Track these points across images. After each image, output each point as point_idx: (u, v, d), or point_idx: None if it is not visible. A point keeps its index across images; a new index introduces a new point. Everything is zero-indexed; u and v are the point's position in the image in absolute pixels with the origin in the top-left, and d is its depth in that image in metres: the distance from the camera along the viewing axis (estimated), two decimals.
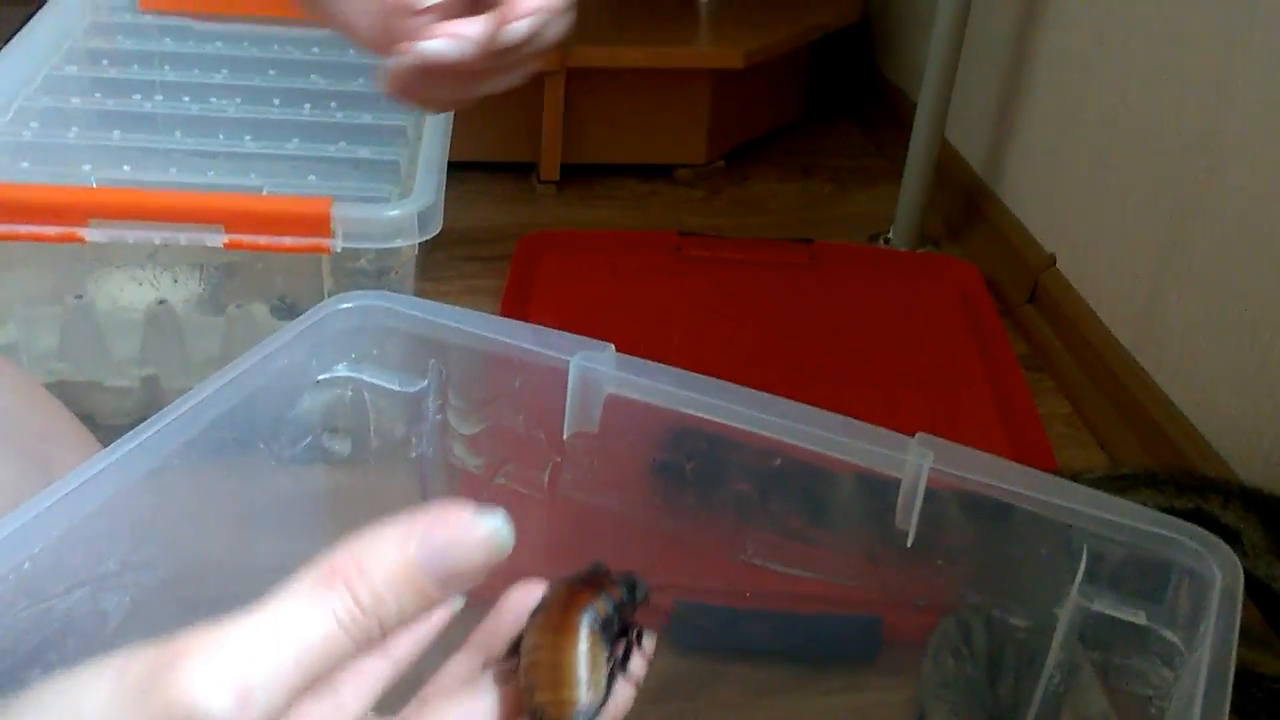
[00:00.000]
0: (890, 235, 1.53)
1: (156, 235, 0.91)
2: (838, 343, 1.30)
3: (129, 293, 1.03)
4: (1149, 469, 1.00)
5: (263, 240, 0.91)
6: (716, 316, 1.35)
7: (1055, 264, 1.34)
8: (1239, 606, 0.50)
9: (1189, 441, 1.07)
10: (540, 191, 1.57)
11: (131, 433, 0.55)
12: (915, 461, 0.57)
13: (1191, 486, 0.89)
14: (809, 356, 1.28)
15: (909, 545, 0.58)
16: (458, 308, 0.63)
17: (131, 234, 0.90)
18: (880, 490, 0.60)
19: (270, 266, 1.01)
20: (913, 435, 0.58)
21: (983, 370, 1.25)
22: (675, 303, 1.36)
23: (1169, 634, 0.52)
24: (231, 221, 0.90)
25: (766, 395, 0.61)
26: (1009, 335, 1.31)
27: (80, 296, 1.01)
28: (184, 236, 0.90)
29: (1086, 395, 1.24)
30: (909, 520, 0.59)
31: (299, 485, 0.71)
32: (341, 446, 0.67)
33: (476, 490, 0.68)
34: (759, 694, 0.85)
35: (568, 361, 0.62)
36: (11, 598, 0.48)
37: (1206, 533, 0.52)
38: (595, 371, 0.61)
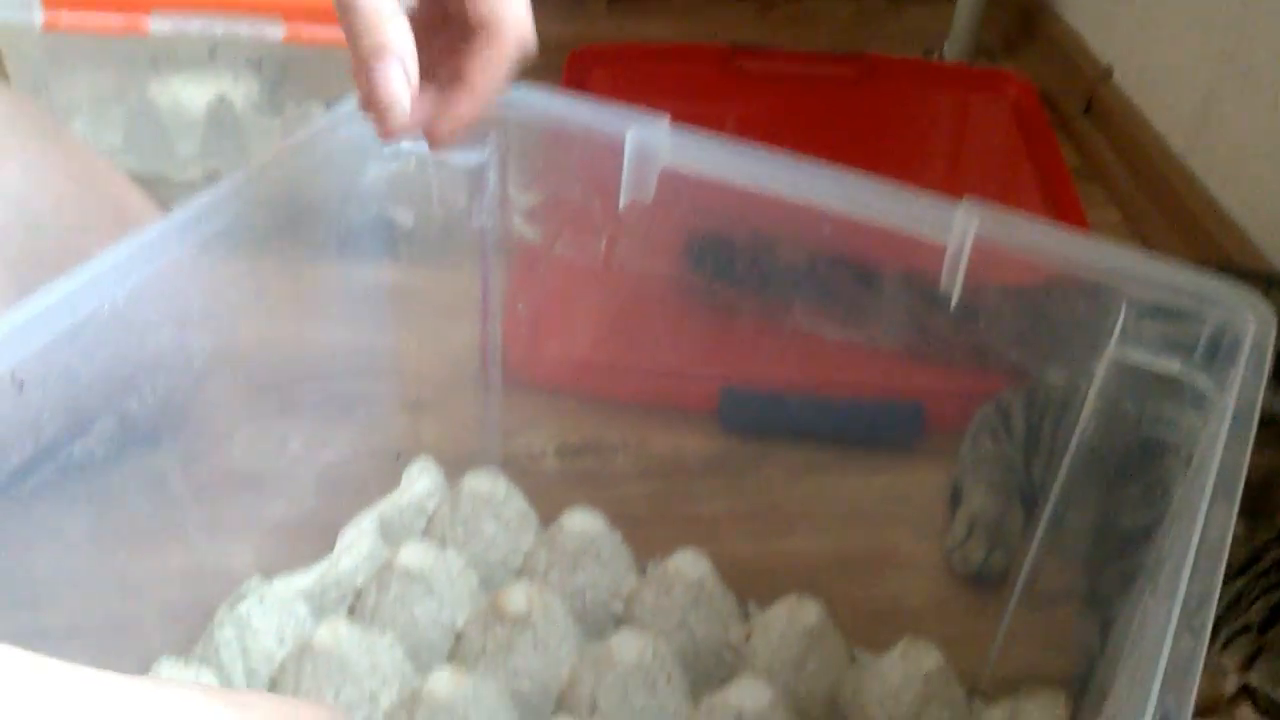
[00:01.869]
0: (945, 50, 1.51)
1: (217, 27, 0.92)
2: (890, 155, 1.30)
3: (190, 91, 1.05)
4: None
5: (321, 33, 0.92)
6: (769, 129, 1.34)
7: (1112, 76, 1.33)
8: (1268, 354, 0.52)
9: (1236, 244, 1.08)
10: (591, 5, 1.56)
11: (204, 192, 0.58)
12: (962, 225, 0.59)
13: (1234, 273, 0.90)
14: (860, 168, 1.28)
15: (952, 308, 0.61)
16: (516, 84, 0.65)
17: (192, 25, 0.92)
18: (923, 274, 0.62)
19: (328, 65, 1.03)
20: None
21: (1035, 182, 1.25)
22: (727, 115, 1.36)
23: (1200, 381, 0.54)
24: (290, 13, 0.92)
25: (817, 167, 0.63)
26: (1063, 148, 1.31)
27: (143, 94, 1.03)
28: (244, 27, 0.92)
29: (1136, 202, 1.24)
30: (954, 284, 0.61)
31: (363, 270, 0.74)
32: (405, 217, 0.69)
33: (535, 261, 0.70)
34: (802, 473, 0.88)
35: (624, 133, 0.63)
36: (107, 324, 0.51)
37: (1240, 286, 0.54)
38: (651, 142, 0.63)
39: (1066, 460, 0.64)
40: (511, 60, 0.54)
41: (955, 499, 0.84)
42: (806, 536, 0.84)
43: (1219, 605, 0.57)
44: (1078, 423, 0.60)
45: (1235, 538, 0.57)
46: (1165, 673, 0.43)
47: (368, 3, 0.49)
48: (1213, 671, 0.57)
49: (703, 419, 0.90)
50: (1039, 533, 0.72)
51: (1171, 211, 1.17)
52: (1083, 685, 0.67)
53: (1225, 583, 0.57)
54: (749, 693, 0.60)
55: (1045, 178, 1.25)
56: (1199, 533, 0.46)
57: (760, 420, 0.90)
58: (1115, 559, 0.72)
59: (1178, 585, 0.46)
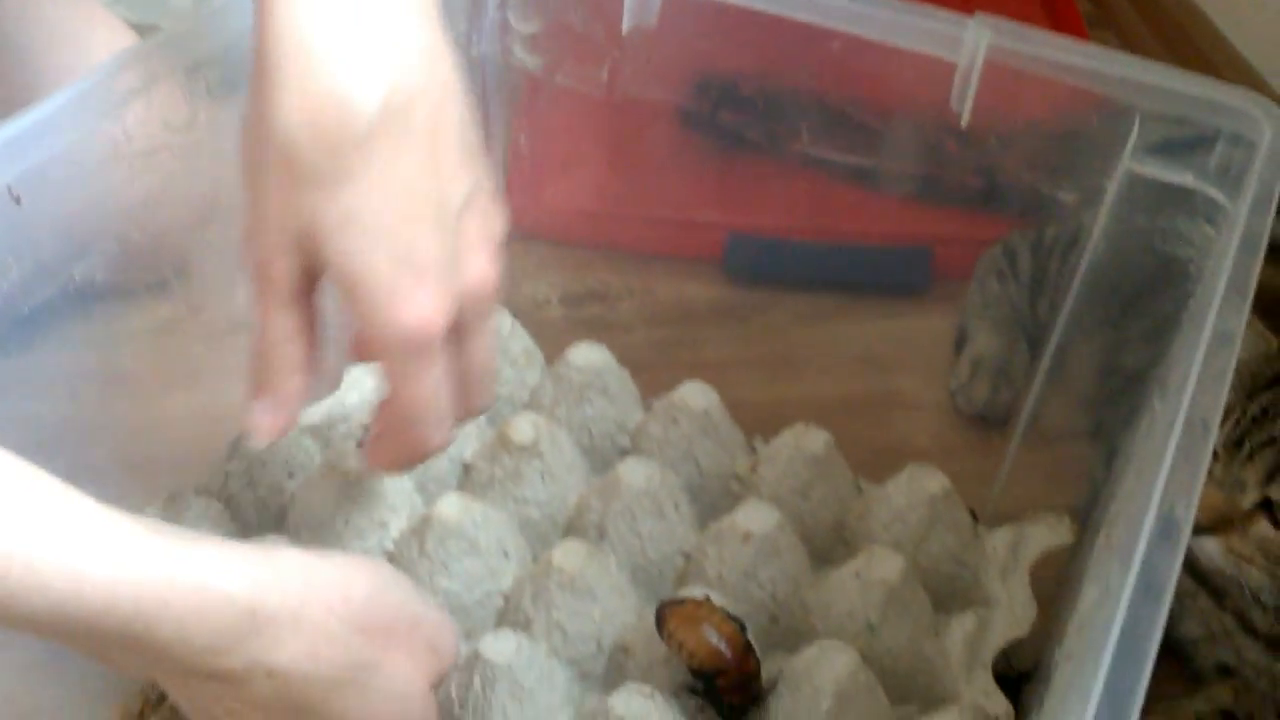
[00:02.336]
0: None
1: None
2: None
3: None
4: None
5: None
6: None
7: None
8: None
9: (1231, 67, 1.06)
10: None
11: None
12: (973, 40, 0.58)
13: None
14: None
15: (963, 126, 0.60)
16: None
17: None
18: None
19: None
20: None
21: (1044, 19, 1.22)
22: None
23: (1214, 192, 0.53)
24: None
25: None
26: None
27: None
28: None
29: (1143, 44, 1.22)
30: (965, 103, 0.59)
31: None
32: None
33: (537, 92, 0.69)
34: (809, 320, 0.88)
35: None
36: (105, 148, 0.51)
37: (1255, 94, 0.53)
38: None
39: (1073, 290, 0.64)
40: (393, 354, 0.45)
41: (961, 341, 0.84)
42: (813, 380, 0.84)
43: (1245, 417, 0.57)
44: (1087, 249, 0.60)
45: (1266, 354, 0.57)
46: (1169, 476, 0.43)
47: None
48: (1230, 487, 0.57)
49: (709, 266, 0.90)
50: (1042, 370, 0.72)
51: (1173, 42, 1.15)
52: (1087, 513, 0.68)
53: (1252, 396, 0.57)
54: (756, 515, 0.60)
55: (1054, 18, 1.22)
56: (1208, 334, 0.46)
57: (766, 267, 0.89)
58: (1120, 395, 0.72)
59: (1185, 387, 0.45)
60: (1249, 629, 0.64)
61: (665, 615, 0.53)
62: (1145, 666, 0.35)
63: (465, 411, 0.50)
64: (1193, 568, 0.64)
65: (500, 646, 0.54)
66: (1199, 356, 0.45)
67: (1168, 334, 0.54)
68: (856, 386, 0.83)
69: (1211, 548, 0.58)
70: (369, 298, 0.43)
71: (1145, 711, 0.64)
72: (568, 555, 0.58)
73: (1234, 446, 0.57)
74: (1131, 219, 0.57)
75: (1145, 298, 0.70)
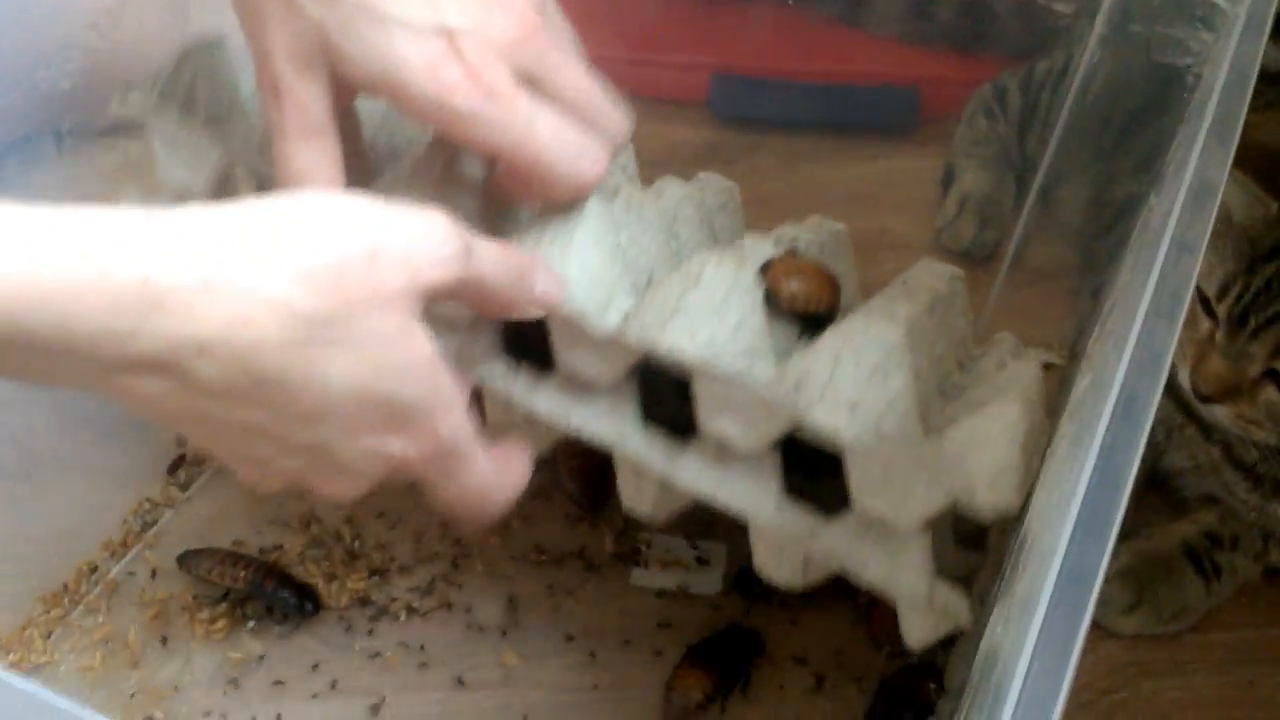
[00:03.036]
0: None
1: None
2: None
3: None
4: None
5: None
6: None
7: None
8: None
9: None
10: None
11: None
12: None
13: None
14: None
15: None
16: None
17: None
18: None
19: None
20: None
21: None
22: None
23: None
24: None
25: None
26: None
27: None
28: None
29: None
30: None
31: None
32: None
33: None
34: (797, 161, 0.87)
35: None
36: None
37: None
38: None
39: (1064, 117, 0.62)
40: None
41: (948, 180, 0.83)
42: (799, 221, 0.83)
43: (1248, 292, 0.57)
44: (1082, 63, 0.58)
45: (1266, 219, 0.56)
46: (1152, 296, 0.42)
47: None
48: (1236, 358, 0.57)
49: (693, 109, 0.88)
50: (1029, 206, 0.72)
51: None
52: (1073, 349, 0.68)
53: (1254, 267, 0.56)
54: None
55: None
56: (1208, 123, 0.45)
57: (751, 107, 0.88)
58: (1108, 229, 0.72)
59: (1173, 204, 0.44)
60: (1235, 462, 0.65)
61: (768, 266, 0.53)
62: (1125, 485, 0.35)
63: (607, 139, 0.47)
64: (1179, 400, 0.64)
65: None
66: (1197, 148, 0.44)
67: (1160, 159, 0.53)
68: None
69: (1220, 413, 0.58)
70: (407, 90, 0.41)
71: (1132, 536, 0.66)
72: None
73: (1238, 321, 0.56)
74: (1127, 27, 0.55)
75: (1138, 125, 0.69)
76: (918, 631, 0.49)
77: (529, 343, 0.51)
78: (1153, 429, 0.37)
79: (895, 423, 0.46)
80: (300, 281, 0.36)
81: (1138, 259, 0.46)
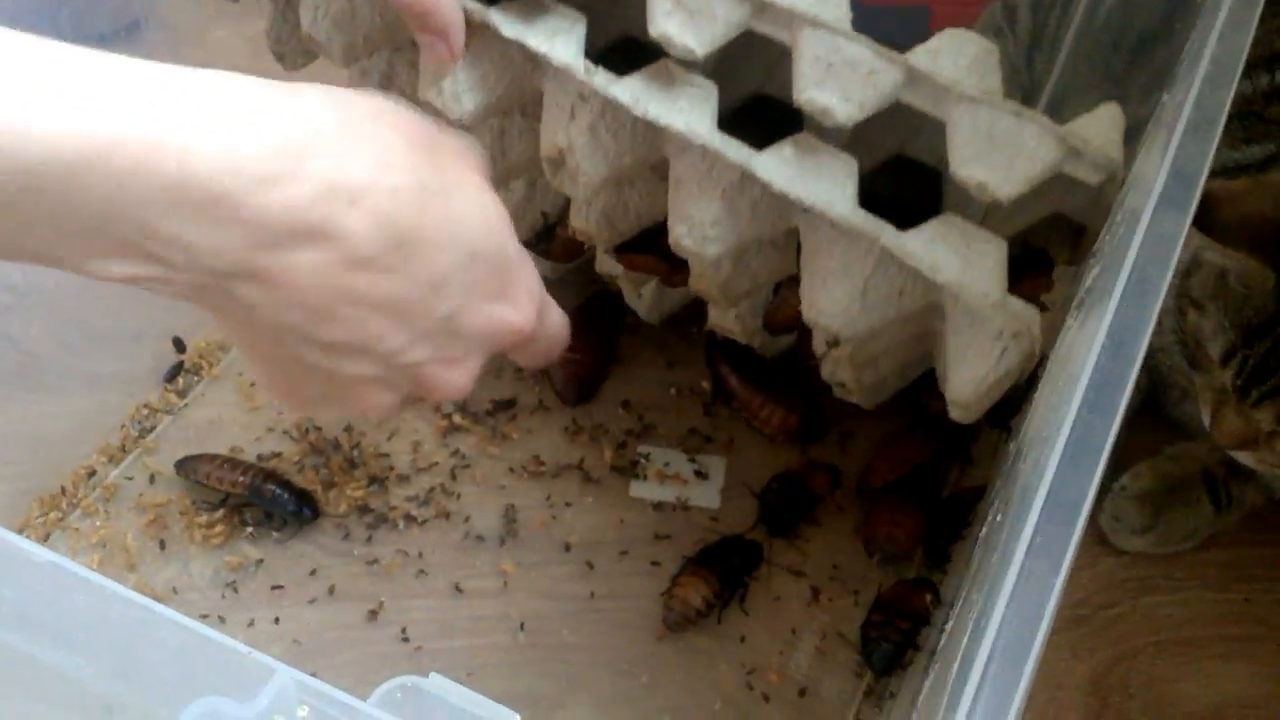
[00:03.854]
0: None
1: None
2: None
3: None
4: None
5: None
6: None
7: None
8: None
9: None
10: None
11: None
12: None
13: None
14: None
15: None
16: None
17: None
18: None
19: None
20: None
21: None
22: None
23: None
24: None
25: None
26: None
27: None
28: None
29: None
30: None
31: None
32: None
33: None
34: None
35: None
36: None
37: None
38: None
39: (1070, 39, 0.61)
40: None
41: None
42: None
43: (1247, 365, 0.56)
44: None
45: (1263, 290, 0.54)
46: (1164, 183, 0.41)
47: None
48: (1247, 416, 0.56)
49: None
50: None
51: None
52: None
53: (1251, 342, 0.55)
54: None
55: None
56: (1223, 17, 0.44)
57: None
58: None
59: (1188, 92, 0.44)
60: None
61: None
62: (1133, 364, 0.34)
63: None
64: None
65: None
66: (1212, 39, 0.43)
67: (1171, 68, 0.52)
68: None
69: (1242, 457, 0.58)
70: None
71: (1155, 454, 0.65)
72: None
73: (1242, 391, 0.55)
74: None
75: (1149, 48, 0.68)
76: (972, 369, 0.47)
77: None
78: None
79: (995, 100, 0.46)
80: (404, 137, 0.36)
81: (1150, 147, 0.46)
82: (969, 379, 0.47)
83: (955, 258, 0.47)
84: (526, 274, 0.41)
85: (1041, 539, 0.31)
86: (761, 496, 0.65)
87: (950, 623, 0.45)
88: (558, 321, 0.45)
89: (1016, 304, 0.47)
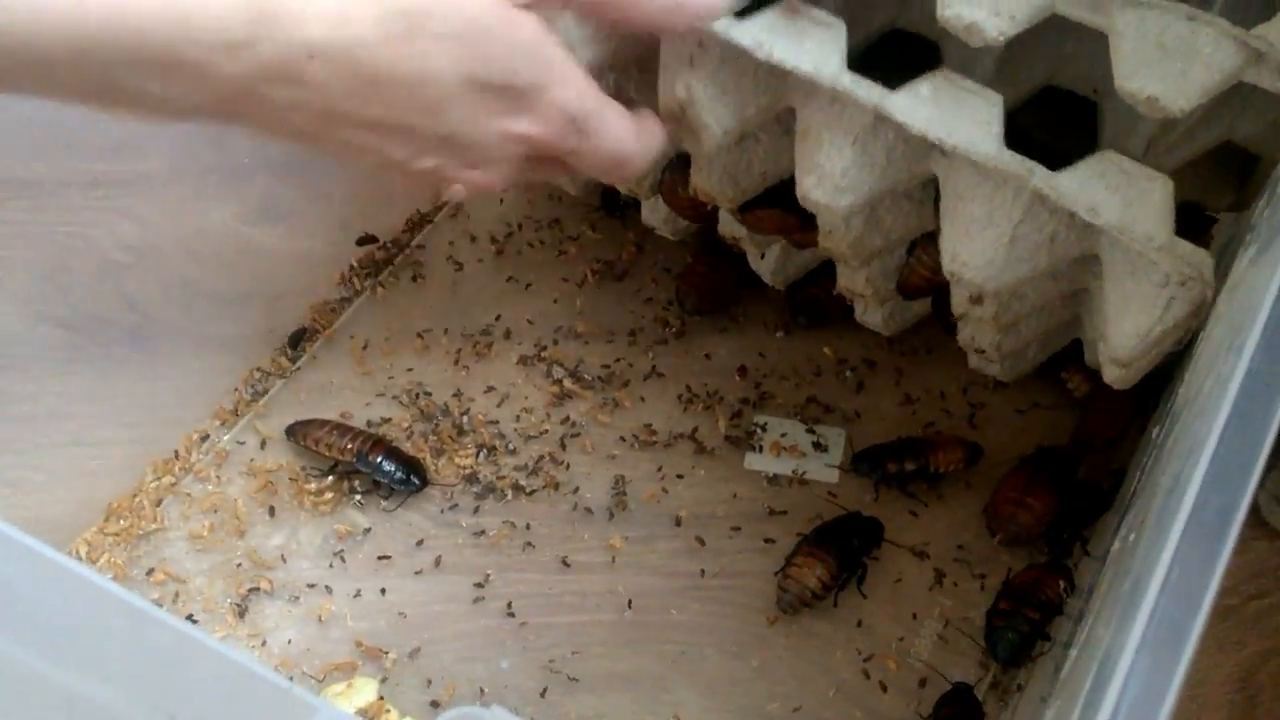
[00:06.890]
0: None
1: None
2: None
3: None
4: None
5: None
6: None
7: None
8: None
9: None
10: None
11: None
12: None
13: None
14: None
15: None
16: None
17: None
18: None
19: None
20: None
21: None
22: None
23: None
24: None
25: None
26: None
27: None
28: None
29: None
30: None
31: None
32: None
33: None
34: None
35: None
36: None
37: None
38: None
39: None
40: None
41: None
42: None
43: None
44: None
45: None
46: None
47: None
48: None
49: None
50: None
51: None
52: None
53: None
54: None
55: None
56: None
57: None
58: None
59: None
60: None
61: None
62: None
63: None
64: None
65: None
66: None
67: None
68: None
69: None
70: None
71: None
72: None
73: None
74: None
75: None
76: (1134, 321, 0.44)
77: None
78: None
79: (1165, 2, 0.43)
80: None
81: None
82: (1130, 332, 0.44)
83: (1115, 198, 0.43)
84: (558, 90, 0.41)
85: (1197, 521, 0.27)
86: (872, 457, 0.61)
87: (1090, 618, 0.42)
88: (618, 132, 0.44)
89: (1185, 247, 0.43)
